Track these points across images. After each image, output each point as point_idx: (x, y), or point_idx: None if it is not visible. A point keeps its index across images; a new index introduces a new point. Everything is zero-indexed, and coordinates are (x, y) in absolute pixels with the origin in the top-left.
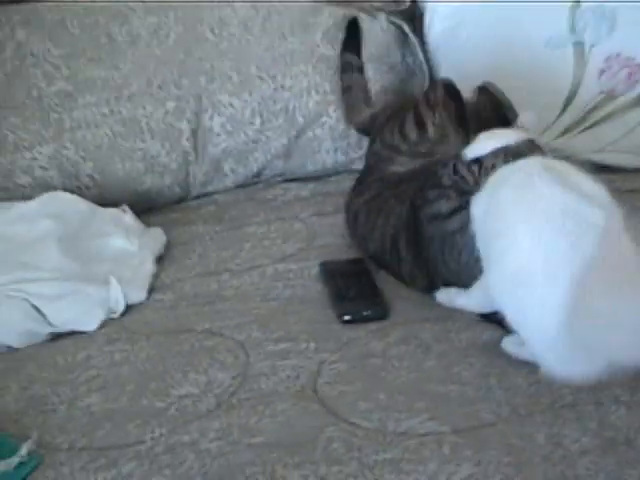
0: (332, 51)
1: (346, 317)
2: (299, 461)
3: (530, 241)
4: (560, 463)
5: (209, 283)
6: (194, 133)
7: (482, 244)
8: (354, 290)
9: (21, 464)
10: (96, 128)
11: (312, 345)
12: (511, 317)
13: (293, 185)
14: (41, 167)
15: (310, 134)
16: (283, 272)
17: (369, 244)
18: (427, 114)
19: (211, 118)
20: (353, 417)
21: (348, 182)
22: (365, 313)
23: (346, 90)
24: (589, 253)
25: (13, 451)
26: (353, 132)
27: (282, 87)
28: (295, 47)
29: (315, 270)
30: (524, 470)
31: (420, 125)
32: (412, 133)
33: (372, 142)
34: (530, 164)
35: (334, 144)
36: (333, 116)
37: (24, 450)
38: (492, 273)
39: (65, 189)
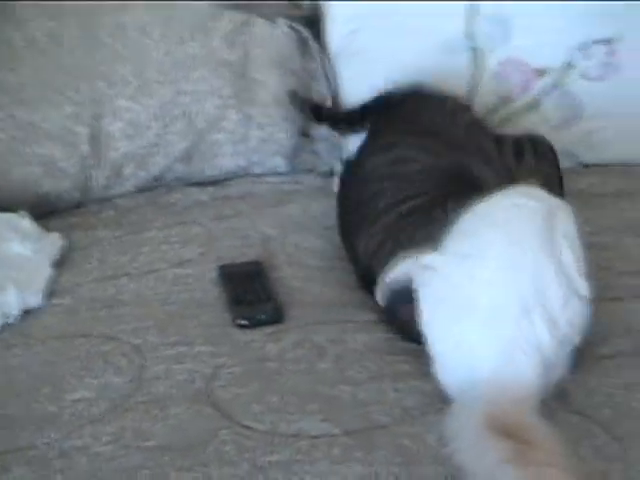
0: (232, 55)
1: (242, 321)
2: (191, 464)
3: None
4: (450, 463)
5: (107, 287)
6: (94, 137)
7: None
8: (251, 294)
9: None
10: None
11: (208, 349)
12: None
13: (193, 189)
14: None
15: (210, 138)
16: (181, 276)
17: (369, 185)
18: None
19: (111, 123)
20: (246, 420)
21: (248, 186)
22: (261, 317)
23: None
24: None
25: None
26: (253, 136)
27: (182, 91)
28: (195, 52)
29: (213, 274)
30: (414, 470)
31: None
32: (508, 146)
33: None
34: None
35: (234, 148)
36: (233, 120)
37: None
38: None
39: None
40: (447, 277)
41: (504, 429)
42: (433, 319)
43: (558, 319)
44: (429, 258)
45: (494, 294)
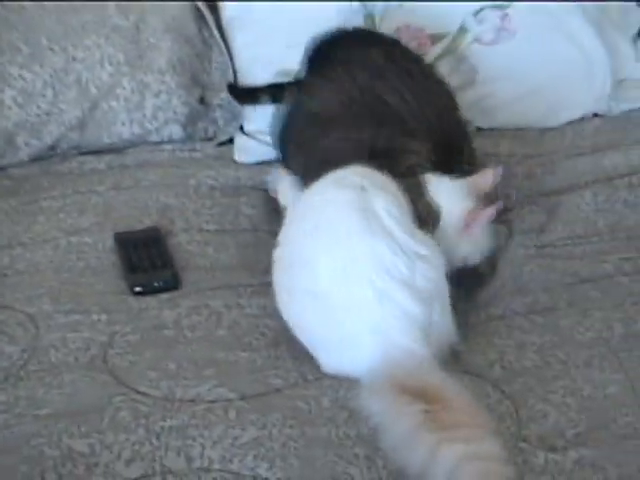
0: (125, 21)
1: (137, 289)
2: (86, 430)
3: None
4: (344, 424)
5: (2, 257)
6: None
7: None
8: (146, 261)
9: None
10: None
11: (103, 317)
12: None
13: (90, 158)
14: None
15: (105, 106)
16: (77, 245)
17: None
18: None
19: (2, 91)
20: (142, 386)
21: (146, 154)
22: (156, 284)
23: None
24: None
25: None
26: (149, 104)
27: (74, 59)
28: (87, 18)
29: (110, 242)
30: (307, 431)
31: None
32: None
33: None
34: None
35: (129, 116)
36: (127, 88)
37: None
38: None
39: None
40: (302, 295)
41: (412, 392)
42: (310, 332)
43: (409, 279)
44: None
45: (345, 291)
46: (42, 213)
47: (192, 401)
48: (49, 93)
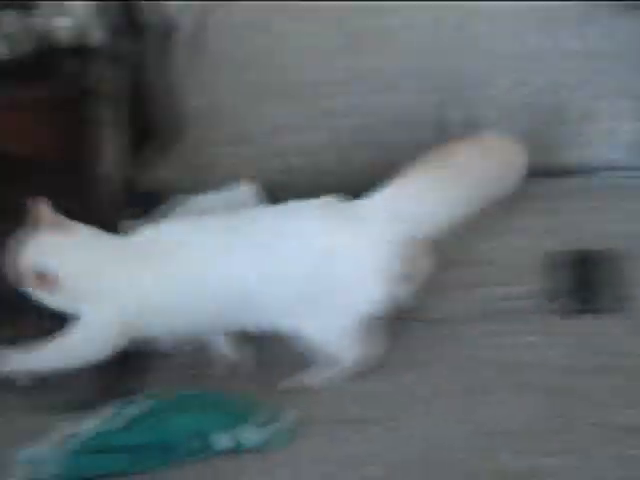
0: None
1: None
2: (520, 450)
3: None
4: None
5: None
6: None
7: None
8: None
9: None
10: None
11: (533, 338)
12: None
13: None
14: None
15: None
16: None
17: None
18: None
19: None
20: (602, 412)
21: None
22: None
23: None
24: None
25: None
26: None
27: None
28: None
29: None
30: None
31: None
32: None
33: None
34: None
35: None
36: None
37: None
38: None
39: None
40: None
41: None
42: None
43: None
44: None
45: None
46: None
47: None
48: None
